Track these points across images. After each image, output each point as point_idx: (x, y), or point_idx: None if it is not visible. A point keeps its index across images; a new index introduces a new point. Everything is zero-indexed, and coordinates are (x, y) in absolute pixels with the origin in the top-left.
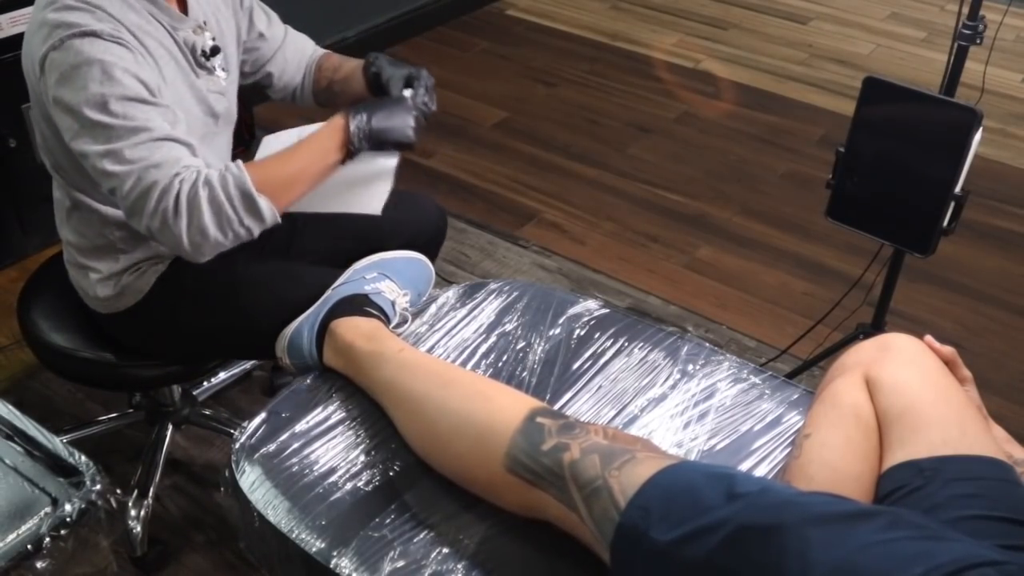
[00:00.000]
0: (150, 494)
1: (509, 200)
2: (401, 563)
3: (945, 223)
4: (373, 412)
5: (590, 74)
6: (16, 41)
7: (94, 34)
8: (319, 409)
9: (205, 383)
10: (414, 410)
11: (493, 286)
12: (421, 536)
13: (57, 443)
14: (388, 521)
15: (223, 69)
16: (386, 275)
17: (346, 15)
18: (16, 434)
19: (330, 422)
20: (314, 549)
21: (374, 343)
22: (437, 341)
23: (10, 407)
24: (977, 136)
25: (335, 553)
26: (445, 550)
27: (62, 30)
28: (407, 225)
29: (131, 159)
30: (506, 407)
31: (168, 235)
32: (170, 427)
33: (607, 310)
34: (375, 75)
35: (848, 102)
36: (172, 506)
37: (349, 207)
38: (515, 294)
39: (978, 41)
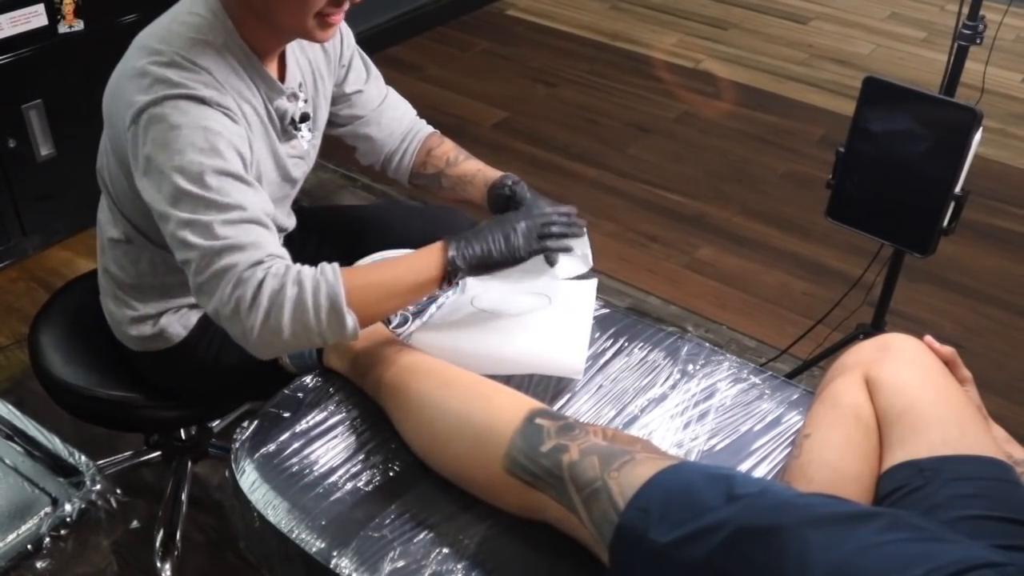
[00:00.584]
0: (178, 536)
1: None
2: (401, 563)
3: (945, 223)
4: (373, 412)
5: (590, 74)
6: (16, 41)
7: (201, 100)
8: (319, 409)
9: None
10: (413, 411)
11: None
12: (421, 536)
13: (57, 443)
14: (388, 521)
15: (309, 130)
16: None
17: (346, 15)
18: (16, 434)
19: (330, 422)
20: (314, 549)
21: (373, 343)
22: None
23: (10, 407)
24: (977, 136)
25: (335, 553)
26: (445, 550)
27: (165, 87)
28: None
29: (216, 235)
30: (505, 408)
31: (236, 325)
32: (189, 464)
33: (607, 310)
34: (506, 198)
35: (848, 102)
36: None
37: (543, 365)
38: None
39: (978, 41)
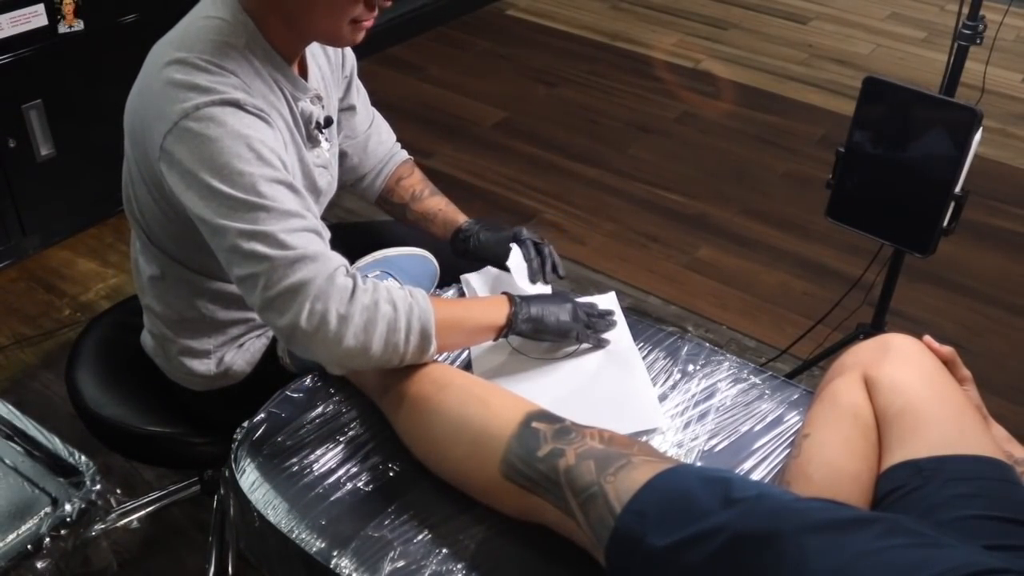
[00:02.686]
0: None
1: (509, 200)
2: (401, 563)
3: (945, 223)
4: (373, 412)
5: (590, 74)
6: (16, 41)
7: (236, 104)
8: (319, 409)
9: None
10: (411, 415)
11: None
12: (421, 536)
13: (57, 443)
14: (388, 521)
15: (327, 140)
16: (389, 273)
17: None
18: (16, 434)
19: (330, 422)
20: (314, 549)
21: None
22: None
23: (10, 407)
24: (977, 136)
25: (335, 553)
26: (445, 550)
27: (197, 94)
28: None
29: (284, 244)
30: (502, 412)
31: (317, 340)
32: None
33: None
34: (463, 243)
35: (848, 102)
36: (176, 510)
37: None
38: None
39: (978, 41)
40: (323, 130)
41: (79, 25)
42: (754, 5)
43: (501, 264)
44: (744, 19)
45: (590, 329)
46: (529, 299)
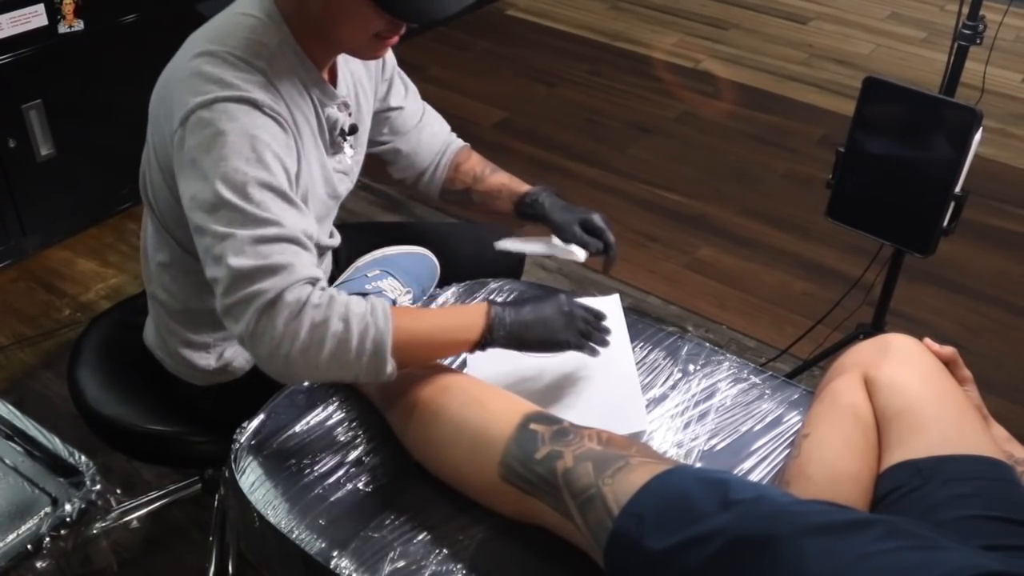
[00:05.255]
0: (231, 571)
1: None
2: (401, 563)
3: (945, 223)
4: (373, 413)
5: (590, 74)
6: (16, 41)
7: (253, 103)
8: (319, 409)
9: None
10: (410, 417)
11: (493, 285)
12: (421, 537)
13: (57, 443)
14: (388, 522)
15: (351, 147)
16: (389, 272)
17: None
18: (16, 434)
19: (330, 423)
20: (314, 549)
21: None
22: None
23: (10, 407)
24: (977, 136)
25: (335, 553)
26: (445, 551)
27: (219, 87)
28: (488, 262)
29: (249, 253)
30: (500, 413)
31: (263, 351)
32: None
33: None
34: (529, 207)
35: (848, 102)
36: (176, 510)
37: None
38: (515, 294)
39: (978, 41)
40: (347, 137)
41: (79, 25)
42: (754, 5)
43: (560, 234)
44: (744, 19)
45: (585, 339)
46: (512, 307)
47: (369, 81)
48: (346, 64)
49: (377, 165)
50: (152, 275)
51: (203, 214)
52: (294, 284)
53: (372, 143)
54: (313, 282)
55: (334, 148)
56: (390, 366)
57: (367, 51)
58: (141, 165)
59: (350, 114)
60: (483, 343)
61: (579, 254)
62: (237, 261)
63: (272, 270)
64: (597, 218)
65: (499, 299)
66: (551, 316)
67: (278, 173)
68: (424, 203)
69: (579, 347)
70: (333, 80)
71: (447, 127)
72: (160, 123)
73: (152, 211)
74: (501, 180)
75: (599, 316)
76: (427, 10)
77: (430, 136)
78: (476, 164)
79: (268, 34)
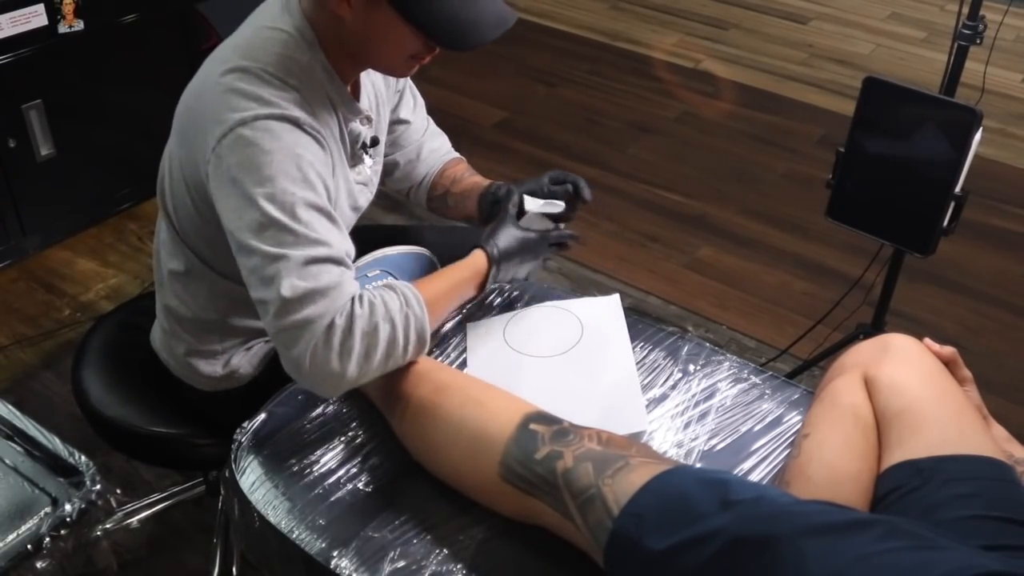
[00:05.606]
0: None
1: None
2: (401, 563)
3: (945, 223)
4: (373, 413)
5: (590, 74)
6: (16, 41)
7: (295, 122)
8: (319, 409)
9: None
10: (409, 417)
11: (492, 285)
12: (421, 537)
13: (57, 443)
14: (388, 522)
15: (371, 157)
16: (389, 272)
17: None
18: (16, 434)
19: (330, 423)
20: (314, 549)
21: None
22: (436, 342)
23: (10, 407)
24: (977, 136)
25: (335, 553)
26: (445, 550)
27: (259, 105)
28: None
29: (303, 275)
30: (499, 413)
31: (325, 374)
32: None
33: None
34: (492, 203)
35: (848, 102)
36: (177, 511)
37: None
38: (515, 294)
39: (978, 41)
40: (368, 150)
41: (79, 25)
42: (754, 5)
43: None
44: (744, 19)
45: (554, 245)
46: (492, 232)
47: (387, 91)
48: (368, 77)
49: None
50: (164, 281)
51: (250, 234)
52: (340, 310)
53: None
54: (355, 297)
55: (355, 160)
56: (428, 346)
57: (400, 70)
58: (160, 172)
59: (372, 126)
60: (488, 276)
61: (558, 204)
62: (290, 282)
63: (323, 293)
64: (557, 172)
65: (498, 297)
66: (537, 253)
67: (322, 193)
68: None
69: (557, 241)
70: (356, 93)
71: (447, 143)
72: (189, 137)
73: (170, 220)
74: (475, 180)
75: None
76: (466, 38)
77: (429, 152)
78: (459, 170)
79: (300, 51)
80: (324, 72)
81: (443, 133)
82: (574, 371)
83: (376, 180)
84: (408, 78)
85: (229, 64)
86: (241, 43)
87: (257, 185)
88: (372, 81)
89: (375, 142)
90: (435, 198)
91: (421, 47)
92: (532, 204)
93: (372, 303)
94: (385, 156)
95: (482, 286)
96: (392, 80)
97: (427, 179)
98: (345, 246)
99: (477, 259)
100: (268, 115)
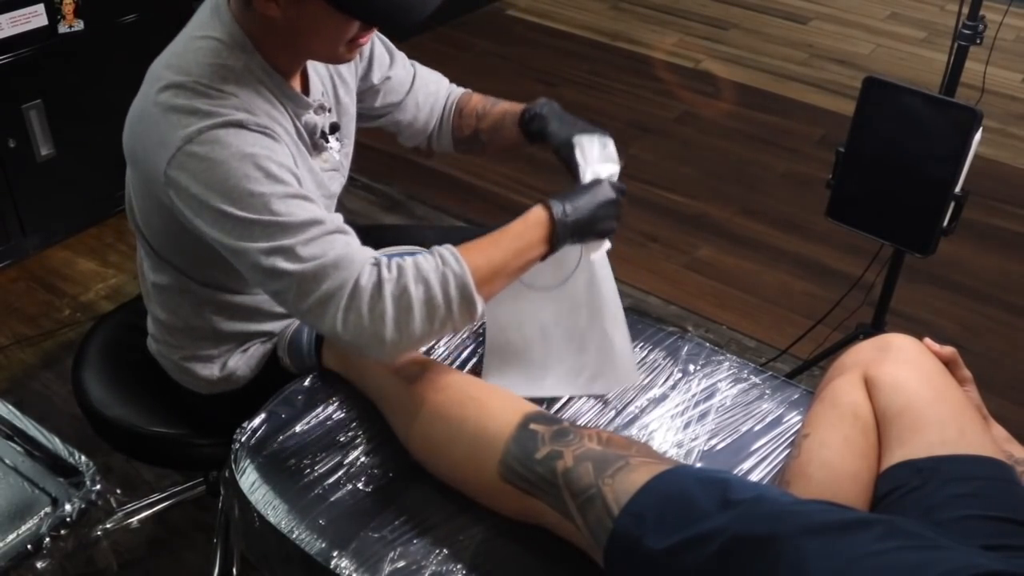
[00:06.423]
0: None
1: (509, 200)
2: (401, 563)
3: (945, 223)
4: (373, 412)
5: (590, 74)
6: (16, 41)
7: (239, 124)
8: (319, 410)
9: None
10: (409, 418)
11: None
12: (421, 536)
13: (57, 443)
14: (388, 521)
15: (338, 140)
16: None
17: None
18: (16, 434)
19: (330, 423)
20: (314, 549)
21: None
22: (436, 342)
23: (10, 407)
24: (977, 136)
25: (335, 553)
26: (445, 551)
27: (198, 119)
28: None
29: (305, 256)
30: (500, 414)
31: (362, 342)
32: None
33: None
34: (538, 131)
35: (848, 102)
36: (177, 511)
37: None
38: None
39: (978, 41)
40: (328, 137)
41: (79, 25)
42: (754, 5)
43: (566, 162)
44: (744, 19)
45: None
46: (568, 203)
47: (348, 67)
48: (314, 69)
49: (389, 137)
50: (150, 294)
51: (237, 240)
52: (360, 273)
53: (370, 118)
54: (374, 261)
55: (317, 150)
56: (479, 303)
57: (342, 57)
58: (126, 195)
59: (329, 111)
60: (552, 249)
61: (614, 164)
62: (297, 267)
63: (335, 265)
64: (599, 138)
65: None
66: (605, 205)
67: (290, 180)
68: (424, 203)
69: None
70: (305, 84)
71: (444, 82)
72: (139, 162)
73: (143, 238)
74: (503, 108)
75: (624, 191)
76: (396, 14)
77: (425, 97)
78: (478, 103)
79: (233, 56)
80: (263, 72)
81: (437, 74)
82: (562, 326)
83: (347, 163)
84: (373, 40)
85: (163, 81)
86: (172, 58)
87: (223, 199)
88: (318, 73)
89: (335, 128)
90: (463, 140)
91: (357, 31)
92: (590, 150)
93: (401, 267)
94: (380, 118)
95: (550, 239)
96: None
97: (442, 125)
98: (338, 218)
99: (535, 212)
100: (211, 125)
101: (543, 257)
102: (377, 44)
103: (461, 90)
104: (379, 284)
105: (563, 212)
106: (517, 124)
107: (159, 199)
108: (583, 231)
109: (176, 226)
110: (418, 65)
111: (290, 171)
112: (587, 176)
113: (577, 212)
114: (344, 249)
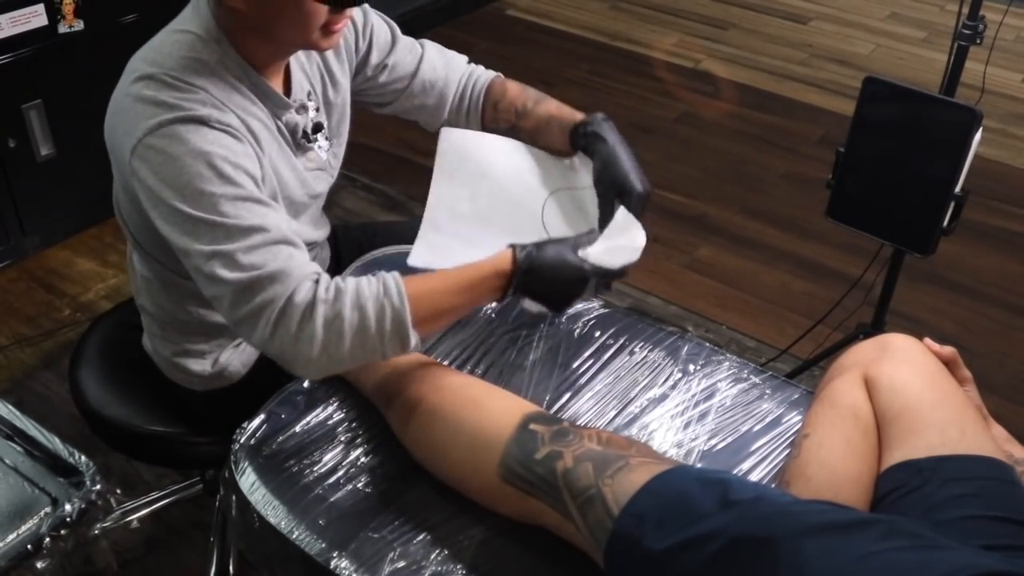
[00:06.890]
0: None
1: None
2: (401, 564)
3: (945, 223)
4: (373, 413)
5: (590, 74)
6: (16, 41)
7: (200, 120)
8: (319, 410)
9: None
10: (409, 418)
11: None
12: (421, 537)
13: (57, 443)
14: (388, 522)
15: (325, 139)
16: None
17: None
18: (16, 434)
19: (330, 423)
20: (314, 550)
21: None
22: (435, 342)
23: (10, 407)
24: (977, 136)
25: (335, 554)
26: (445, 551)
27: (161, 111)
28: None
29: (244, 264)
30: (499, 414)
31: (286, 357)
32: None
33: (607, 309)
34: (588, 149)
35: (848, 102)
36: (176, 510)
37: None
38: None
39: (978, 41)
40: (311, 137)
41: (79, 25)
42: (754, 5)
43: (599, 196)
44: (744, 19)
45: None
46: (538, 258)
47: (338, 61)
48: (309, 56)
49: (389, 137)
50: (140, 288)
51: (184, 238)
52: (298, 286)
53: (381, 104)
54: (315, 278)
55: (301, 149)
56: (414, 339)
57: (320, 44)
58: (113, 188)
59: (317, 109)
60: (501, 299)
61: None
62: (234, 275)
63: (272, 277)
64: (637, 196)
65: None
66: (570, 283)
67: (243, 181)
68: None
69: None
70: (288, 83)
71: (459, 65)
72: (116, 151)
73: (128, 230)
74: (548, 111)
75: (612, 276)
76: None
77: (433, 81)
78: (517, 97)
79: (207, 50)
80: (237, 67)
81: (452, 54)
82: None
83: (336, 163)
84: (373, 27)
85: (137, 73)
86: (149, 51)
87: (174, 195)
88: (317, 60)
89: (318, 127)
90: (496, 131)
91: (328, 14)
92: (625, 225)
93: (339, 289)
94: (389, 103)
95: (504, 290)
96: (343, 44)
97: (472, 112)
98: (286, 225)
99: (500, 258)
100: (172, 119)
101: (499, 299)
102: (379, 29)
103: (489, 75)
104: (312, 304)
105: (524, 271)
106: (568, 134)
107: (132, 191)
108: (536, 296)
109: (152, 221)
110: (429, 47)
111: (247, 173)
112: (599, 243)
113: (539, 278)
114: (285, 262)
